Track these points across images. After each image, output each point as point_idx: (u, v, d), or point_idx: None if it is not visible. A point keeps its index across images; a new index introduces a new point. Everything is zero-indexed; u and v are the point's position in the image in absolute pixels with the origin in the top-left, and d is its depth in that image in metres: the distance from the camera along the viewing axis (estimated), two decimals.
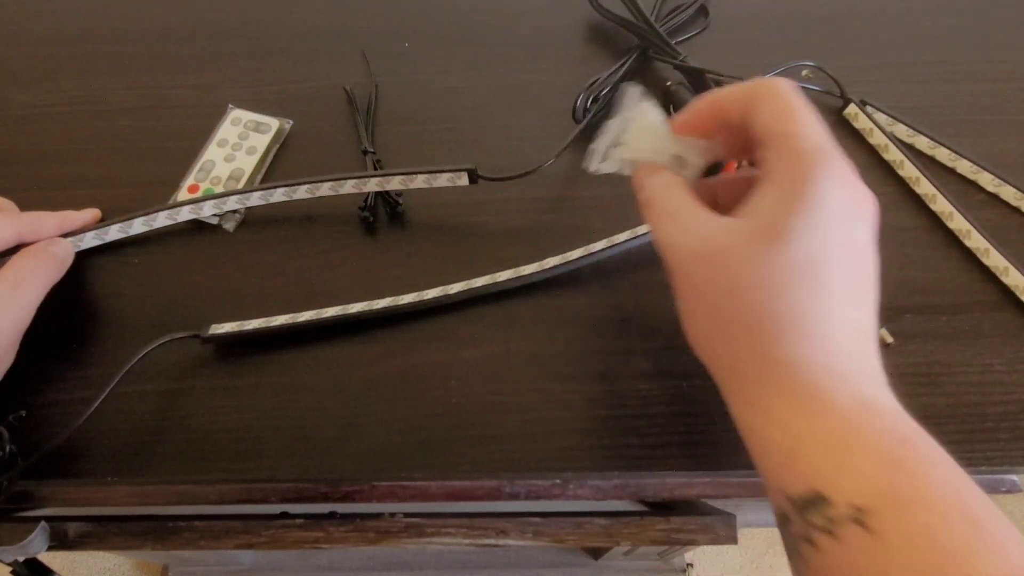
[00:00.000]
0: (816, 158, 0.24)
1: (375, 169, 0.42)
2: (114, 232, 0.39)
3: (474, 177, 0.40)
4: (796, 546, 0.23)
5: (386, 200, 0.41)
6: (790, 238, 0.23)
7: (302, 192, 0.40)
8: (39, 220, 0.37)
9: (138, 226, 0.39)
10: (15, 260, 0.34)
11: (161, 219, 0.40)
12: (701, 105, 0.29)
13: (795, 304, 0.23)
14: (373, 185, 0.40)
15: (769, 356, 0.24)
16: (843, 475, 0.22)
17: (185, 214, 0.40)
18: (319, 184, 0.39)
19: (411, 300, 0.37)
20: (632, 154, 0.31)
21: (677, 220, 0.27)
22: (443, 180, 0.40)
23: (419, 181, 0.40)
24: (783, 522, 0.24)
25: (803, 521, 0.22)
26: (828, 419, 0.23)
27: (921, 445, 0.23)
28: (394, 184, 0.40)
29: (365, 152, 0.43)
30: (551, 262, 0.38)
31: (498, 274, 0.38)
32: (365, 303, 0.37)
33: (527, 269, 0.38)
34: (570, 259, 0.39)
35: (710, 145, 0.30)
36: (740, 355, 0.25)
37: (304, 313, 0.37)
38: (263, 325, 0.36)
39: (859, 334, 0.24)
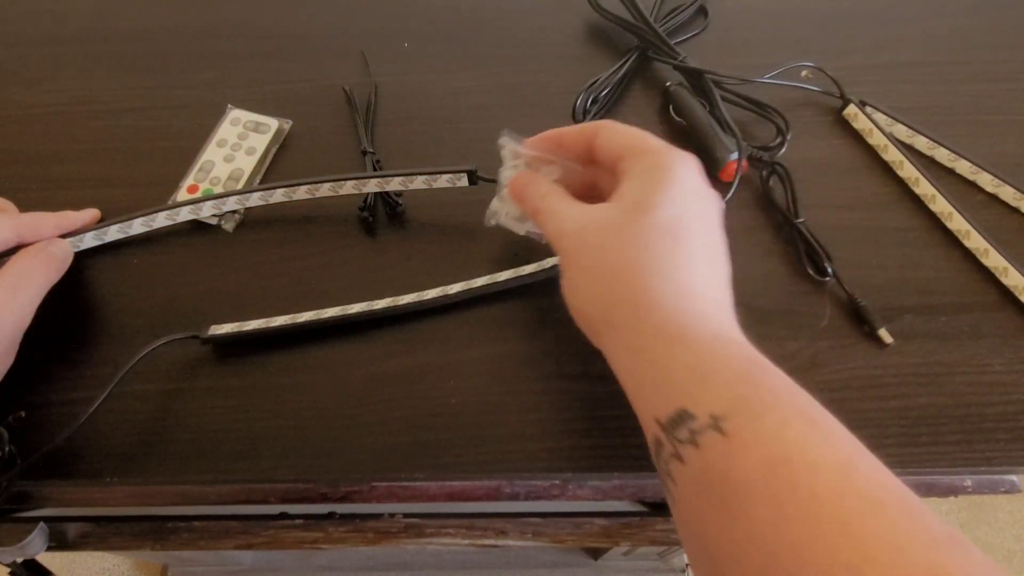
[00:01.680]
0: (672, 154, 0.30)
1: (375, 169, 0.42)
2: (113, 232, 0.39)
3: (474, 178, 0.40)
4: (667, 469, 0.26)
5: (386, 201, 0.41)
6: (655, 207, 0.29)
7: (302, 192, 0.40)
8: (39, 220, 0.37)
9: (137, 226, 0.39)
10: (14, 261, 0.34)
11: (160, 219, 0.40)
12: (544, 138, 0.36)
13: (661, 256, 0.28)
14: (373, 186, 0.40)
15: (643, 303, 0.28)
16: (704, 391, 0.25)
17: (184, 214, 0.40)
18: (319, 184, 0.39)
19: (411, 300, 0.37)
20: (509, 208, 0.37)
21: (561, 215, 0.32)
22: (443, 181, 0.40)
23: (419, 182, 0.40)
24: (657, 451, 0.26)
25: (672, 439, 0.26)
26: (693, 350, 0.27)
27: (767, 366, 0.26)
28: (394, 185, 0.40)
29: (364, 152, 0.43)
30: (550, 262, 0.38)
31: (498, 274, 0.38)
32: (365, 304, 0.37)
33: (527, 269, 0.38)
34: None
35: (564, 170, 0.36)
36: (617, 307, 0.29)
37: (304, 314, 0.37)
38: (263, 326, 0.36)
39: (714, 287, 0.29)
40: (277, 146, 0.44)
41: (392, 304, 0.37)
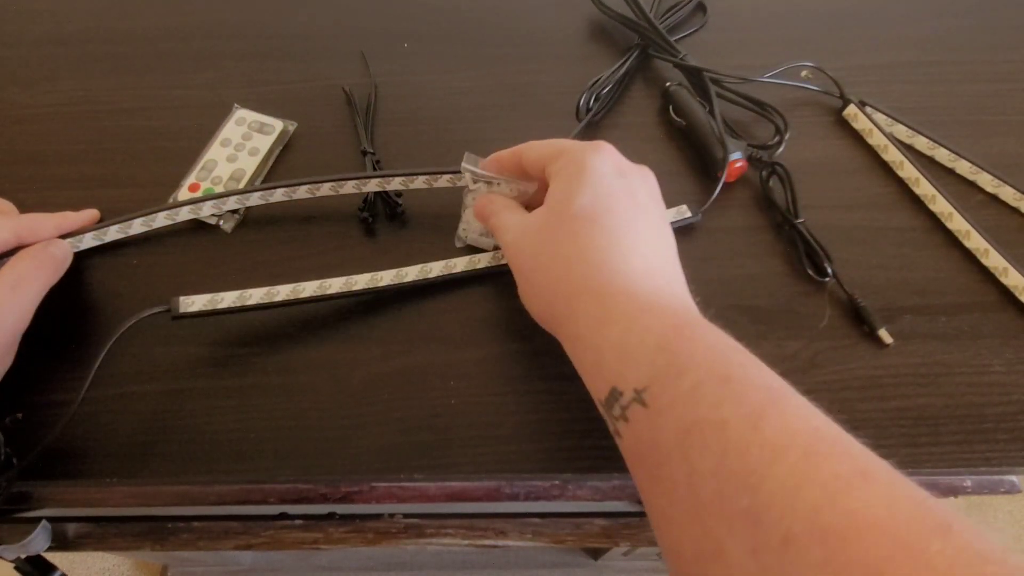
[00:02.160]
0: (583, 149, 0.32)
1: (375, 169, 0.42)
2: (113, 232, 0.39)
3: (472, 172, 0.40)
4: (616, 442, 0.27)
5: (386, 201, 0.41)
6: (572, 199, 0.30)
7: (302, 192, 0.40)
8: (38, 222, 0.37)
9: (137, 226, 0.39)
10: (13, 262, 0.34)
11: (160, 219, 0.39)
12: (488, 161, 0.37)
13: (583, 243, 0.30)
14: (373, 186, 0.40)
15: (572, 292, 0.29)
16: (627, 368, 0.26)
17: (184, 214, 0.40)
18: (319, 184, 0.39)
19: (391, 281, 0.37)
20: (474, 226, 0.39)
21: (507, 226, 0.34)
22: (443, 181, 0.40)
23: (419, 182, 0.40)
24: (610, 430, 0.28)
25: (610, 417, 0.27)
26: (620, 326, 0.27)
27: (694, 329, 0.27)
28: (395, 185, 0.40)
29: (364, 152, 0.43)
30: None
31: (476, 256, 0.39)
32: (343, 280, 0.37)
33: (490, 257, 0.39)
34: None
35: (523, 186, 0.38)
36: (557, 302, 0.30)
37: (280, 289, 0.36)
38: (237, 303, 0.35)
39: (642, 256, 0.30)
40: (280, 148, 0.44)
41: (371, 285, 0.37)
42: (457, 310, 0.38)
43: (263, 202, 0.40)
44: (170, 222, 0.40)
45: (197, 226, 0.41)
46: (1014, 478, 0.38)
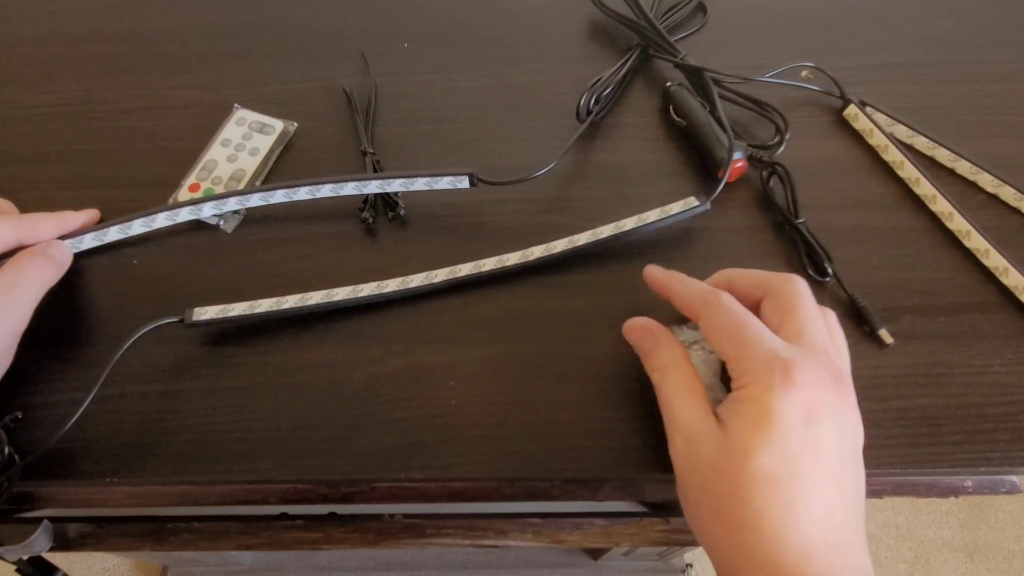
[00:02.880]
0: (775, 376, 0.28)
1: (375, 170, 0.42)
2: (113, 233, 0.39)
3: (474, 180, 0.40)
4: None
5: (386, 201, 0.41)
6: (754, 459, 0.27)
7: (303, 193, 0.40)
8: (38, 222, 0.37)
9: (137, 227, 0.39)
10: (12, 262, 0.34)
11: (160, 220, 0.39)
12: (717, 280, 0.35)
13: (758, 513, 0.27)
14: (374, 187, 0.40)
15: (738, 560, 0.28)
16: None
17: (184, 215, 0.40)
18: (319, 186, 0.39)
19: (396, 288, 0.37)
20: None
21: (674, 415, 0.31)
22: (444, 183, 0.40)
23: (420, 183, 0.40)
24: None
25: None
26: None
27: None
28: (395, 186, 0.40)
29: (364, 153, 0.43)
30: (535, 252, 0.39)
31: (481, 261, 0.39)
32: (350, 288, 0.37)
33: (510, 259, 0.39)
34: (554, 251, 0.39)
35: None
36: (721, 549, 0.29)
37: (289, 298, 0.36)
38: (247, 312, 0.36)
39: (822, 529, 0.27)
40: (281, 148, 0.44)
41: (377, 292, 0.37)
42: (457, 310, 0.38)
43: (264, 203, 0.40)
44: (171, 223, 0.40)
45: (197, 226, 0.41)
46: (1015, 478, 0.38)
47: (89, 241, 0.39)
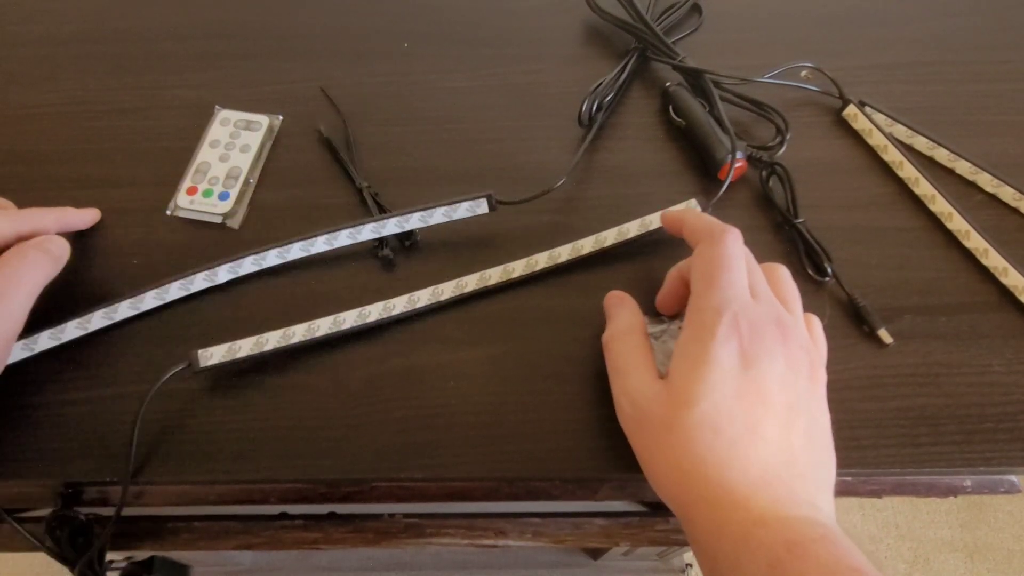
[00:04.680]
0: (709, 319, 0.30)
1: (375, 202, 0.41)
2: (272, 258, 0.39)
3: (493, 204, 0.39)
4: None
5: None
6: (690, 403, 0.29)
7: (320, 244, 0.39)
8: (38, 217, 0.36)
9: (149, 300, 0.37)
10: (4, 261, 0.33)
11: (199, 281, 0.38)
12: (671, 278, 0.36)
13: (701, 457, 0.28)
14: (392, 227, 0.39)
15: (688, 501, 0.29)
16: None
17: (224, 274, 0.38)
18: (336, 233, 0.38)
19: (403, 309, 0.37)
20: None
21: (625, 381, 0.32)
22: (463, 211, 0.39)
23: (438, 215, 0.39)
24: None
25: None
26: (729, 541, 0.27)
27: (807, 546, 0.26)
28: (413, 222, 0.39)
29: (360, 189, 0.42)
30: (538, 261, 0.39)
31: (487, 272, 0.38)
32: (357, 312, 0.37)
33: (516, 270, 0.39)
34: (559, 259, 0.39)
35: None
36: (676, 499, 0.30)
37: (296, 329, 0.36)
38: (255, 350, 0.35)
39: (764, 467, 0.28)
40: (271, 142, 0.44)
41: (384, 315, 0.37)
42: (457, 310, 0.38)
43: (280, 260, 0.39)
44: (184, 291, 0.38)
45: (198, 227, 0.41)
46: (1014, 478, 0.38)
47: (249, 265, 0.38)
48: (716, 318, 0.30)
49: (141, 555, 0.43)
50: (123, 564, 0.40)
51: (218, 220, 0.41)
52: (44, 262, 0.34)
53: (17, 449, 0.34)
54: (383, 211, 0.41)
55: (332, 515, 0.46)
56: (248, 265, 0.38)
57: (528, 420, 0.35)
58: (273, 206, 0.42)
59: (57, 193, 0.42)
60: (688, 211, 0.36)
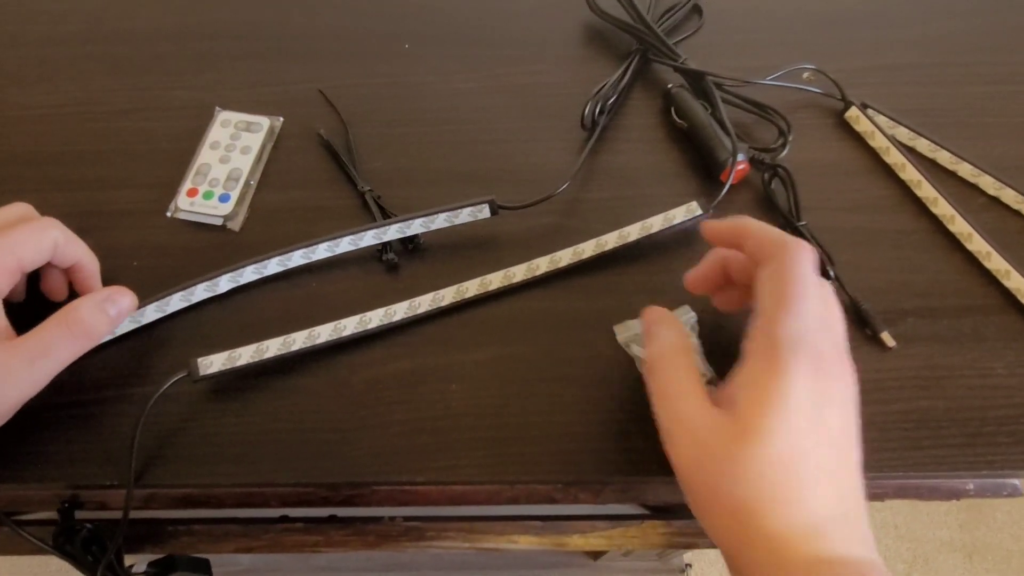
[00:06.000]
0: (786, 353, 0.28)
1: (378, 206, 0.41)
2: (273, 265, 0.38)
3: (495, 209, 0.39)
4: None
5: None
6: (762, 439, 0.27)
7: (322, 252, 0.38)
8: (78, 249, 0.35)
9: (176, 302, 0.37)
10: (46, 328, 0.31)
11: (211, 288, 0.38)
12: (712, 261, 0.35)
13: (768, 492, 0.27)
14: (394, 232, 0.39)
15: (745, 536, 0.28)
16: None
17: (225, 283, 0.38)
18: (338, 240, 0.38)
19: (404, 315, 0.37)
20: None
21: (674, 408, 0.30)
22: (464, 216, 0.39)
23: (440, 220, 0.39)
24: None
25: None
26: None
27: None
28: (415, 228, 0.39)
29: (363, 192, 0.42)
30: (539, 264, 0.38)
31: (487, 277, 0.38)
32: (357, 318, 0.36)
33: (517, 274, 0.38)
34: (559, 264, 0.39)
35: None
36: (729, 532, 0.29)
37: (297, 337, 0.36)
38: (255, 358, 0.35)
39: (828, 507, 0.28)
40: (272, 143, 0.44)
41: (385, 321, 0.37)
42: (458, 312, 0.38)
43: (282, 268, 0.39)
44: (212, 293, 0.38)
45: (198, 228, 0.41)
46: (1016, 481, 0.38)
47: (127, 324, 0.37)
48: (792, 350, 0.28)
49: (157, 555, 0.43)
50: (143, 569, 0.40)
51: (219, 222, 0.41)
52: (83, 338, 0.32)
53: (19, 454, 0.34)
54: (386, 215, 0.41)
55: (333, 518, 0.46)
56: (249, 274, 0.38)
57: (530, 423, 0.35)
58: (274, 208, 0.42)
59: (56, 195, 0.42)
60: (750, 220, 0.34)
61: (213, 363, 0.34)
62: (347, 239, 0.38)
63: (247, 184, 0.42)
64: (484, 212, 0.39)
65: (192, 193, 0.41)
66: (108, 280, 0.39)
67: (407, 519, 0.46)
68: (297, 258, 0.38)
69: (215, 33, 0.50)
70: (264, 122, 0.45)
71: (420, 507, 0.40)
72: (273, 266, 0.38)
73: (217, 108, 0.45)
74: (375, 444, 0.34)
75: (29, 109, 0.46)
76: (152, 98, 0.47)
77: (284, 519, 0.45)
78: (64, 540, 0.36)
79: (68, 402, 0.35)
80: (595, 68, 0.47)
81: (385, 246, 0.39)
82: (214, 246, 0.40)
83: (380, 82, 0.47)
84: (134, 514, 0.43)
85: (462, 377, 0.36)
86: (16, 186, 0.42)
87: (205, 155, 0.43)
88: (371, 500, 0.37)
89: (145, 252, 0.40)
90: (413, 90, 0.47)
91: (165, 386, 0.33)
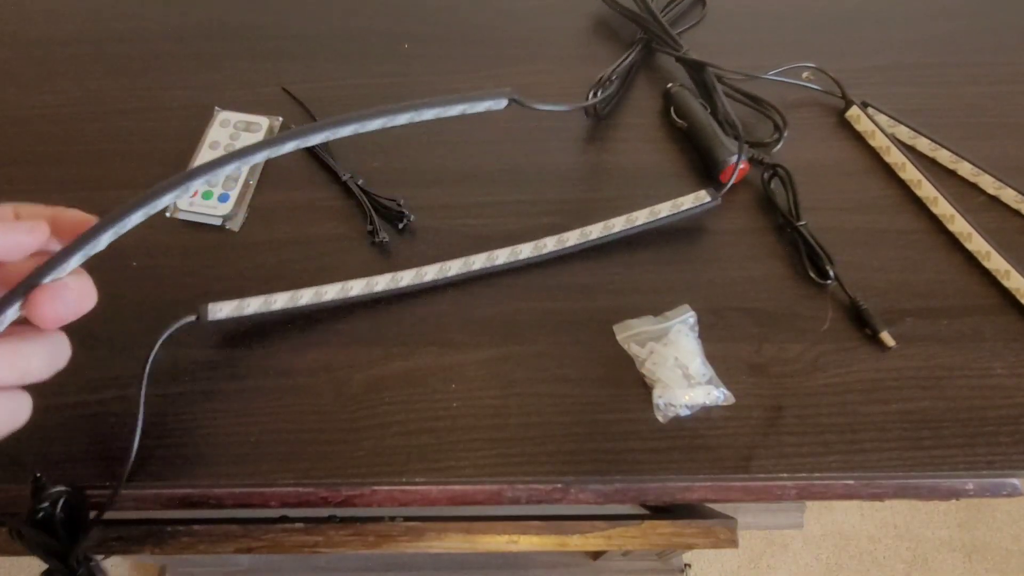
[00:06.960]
0: None
1: (361, 191, 0.41)
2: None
3: (513, 102, 0.36)
4: None
5: (393, 213, 0.40)
6: None
7: (347, 131, 0.33)
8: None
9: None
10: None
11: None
12: None
13: None
14: (404, 119, 0.34)
15: None
16: None
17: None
18: (340, 127, 0.33)
19: (411, 282, 0.37)
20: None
21: None
22: (481, 107, 0.35)
23: (455, 111, 0.35)
24: None
25: None
26: None
27: None
28: (428, 115, 0.35)
29: (344, 180, 0.42)
30: (537, 247, 0.39)
31: (494, 252, 0.39)
32: (364, 282, 0.37)
33: (524, 251, 0.39)
34: (566, 244, 0.39)
35: None
36: None
37: (304, 293, 0.36)
38: (264, 308, 0.35)
39: None
40: None
41: (392, 286, 0.37)
42: (457, 313, 0.38)
43: (291, 146, 0.31)
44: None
45: (198, 228, 0.41)
46: (1016, 481, 0.38)
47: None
48: None
49: (157, 555, 0.43)
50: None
51: (218, 222, 0.41)
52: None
53: (19, 454, 0.34)
54: (370, 197, 0.41)
55: (333, 518, 0.45)
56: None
57: (530, 423, 0.35)
58: (273, 208, 0.42)
59: (56, 196, 0.41)
60: None
61: (223, 309, 0.35)
62: (352, 126, 0.33)
63: (246, 184, 0.42)
64: (501, 104, 0.36)
65: (191, 193, 0.41)
66: (108, 280, 0.39)
67: (407, 519, 0.46)
68: (289, 146, 0.31)
69: (215, 33, 0.50)
70: (263, 122, 0.44)
71: (420, 507, 0.40)
72: (290, 146, 0.31)
73: (217, 108, 0.45)
74: (375, 444, 0.34)
75: (28, 109, 0.46)
76: (152, 98, 0.47)
77: (284, 519, 0.45)
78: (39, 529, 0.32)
79: (68, 402, 0.35)
80: (595, 68, 0.47)
81: (372, 223, 0.40)
82: (213, 246, 0.40)
83: (379, 82, 0.47)
84: (134, 514, 0.43)
85: (462, 377, 0.36)
86: (15, 186, 0.42)
87: (205, 155, 0.43)
88: (371, 500, 0.37)
89: (144, 252, 0.40)
90: (412, 89, 0.47)
91: (173, 327, 0.34)
